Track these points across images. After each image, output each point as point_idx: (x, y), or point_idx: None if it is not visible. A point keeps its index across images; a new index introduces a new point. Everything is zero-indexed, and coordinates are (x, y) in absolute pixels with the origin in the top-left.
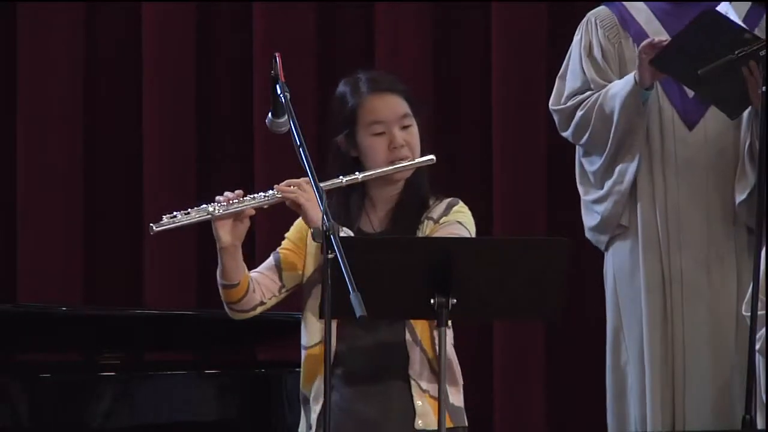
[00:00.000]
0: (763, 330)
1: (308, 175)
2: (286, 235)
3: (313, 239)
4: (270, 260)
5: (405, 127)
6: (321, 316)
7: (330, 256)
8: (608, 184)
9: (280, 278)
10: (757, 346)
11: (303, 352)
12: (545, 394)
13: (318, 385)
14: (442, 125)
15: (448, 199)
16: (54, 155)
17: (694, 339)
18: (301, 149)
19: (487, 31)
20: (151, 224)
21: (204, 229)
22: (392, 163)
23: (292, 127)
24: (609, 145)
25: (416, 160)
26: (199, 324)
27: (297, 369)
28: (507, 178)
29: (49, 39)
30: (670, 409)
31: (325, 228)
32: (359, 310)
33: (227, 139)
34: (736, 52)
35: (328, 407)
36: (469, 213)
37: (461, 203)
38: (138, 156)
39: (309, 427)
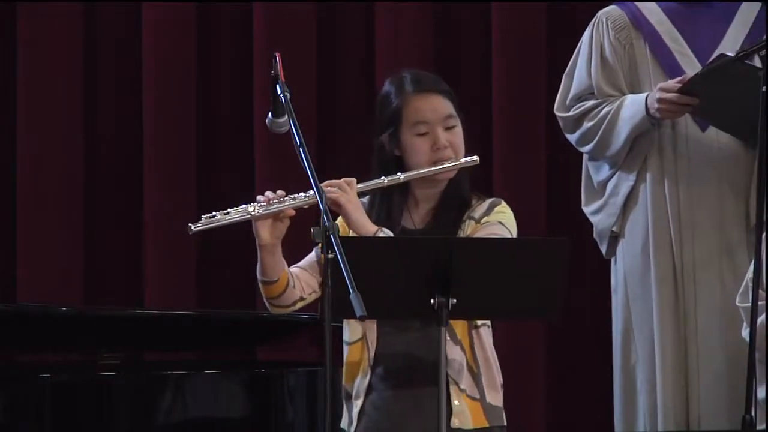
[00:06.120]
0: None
1: (308, 176)
2: None
3: (314, 239)
4: (311, 255)
5: (449, 128)
6: (321, 316)
7: (330, 256)
8: (607, 193)
9: (320, 273)
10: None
11: (345, 348)
12: (545, 394)
13: (359, 382)
14: None
15: (491, 199)
16: (54, 155)
17: (707, 336)
18: (301, 149)
19: (487, 31)
20: (189, 224)
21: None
22: (435, 163)
23: (292, 127)
24: (618, 159)
25: (460, 161)
26: (199, 324)
27: (297, 369)
28: (507, 178)
29: (49, 39)
30: (683, 408)
31: (325, 228)
32: (359, 310)
33: (227, 139)
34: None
35: (328, 403)
36: (510, 213)
37: (503, 203)
38: (138, 156)
39: (351, 422)
